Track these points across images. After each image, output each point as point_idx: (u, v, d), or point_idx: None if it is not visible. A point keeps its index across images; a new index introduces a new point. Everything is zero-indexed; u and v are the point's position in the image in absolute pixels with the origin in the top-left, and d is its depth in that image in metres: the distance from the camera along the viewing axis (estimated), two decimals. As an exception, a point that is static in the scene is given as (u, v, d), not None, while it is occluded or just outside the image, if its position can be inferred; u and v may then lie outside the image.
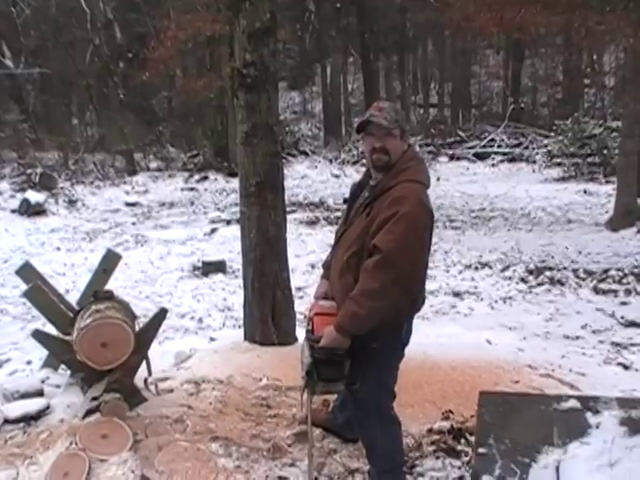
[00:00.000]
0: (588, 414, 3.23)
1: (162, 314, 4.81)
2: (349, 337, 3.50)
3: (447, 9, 19.20)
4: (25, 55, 29.30)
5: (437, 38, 37.28)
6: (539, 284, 9.93)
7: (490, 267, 10.93)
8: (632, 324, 7.95)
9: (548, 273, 10.33)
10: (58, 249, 14.18)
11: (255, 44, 5.82)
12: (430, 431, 4.57)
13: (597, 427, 3.12)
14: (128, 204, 20.54)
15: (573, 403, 3.35)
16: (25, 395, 4.69)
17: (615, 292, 9.40)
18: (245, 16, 5.82)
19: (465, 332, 7.42)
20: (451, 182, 22.78)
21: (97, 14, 28.06)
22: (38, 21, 30.53)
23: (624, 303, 8.93)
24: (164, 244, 14.11)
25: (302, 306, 7.07)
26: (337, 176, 24.44)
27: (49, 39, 30.45)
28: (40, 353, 6.09)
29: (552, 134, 24.67)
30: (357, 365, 3.63)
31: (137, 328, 4.60)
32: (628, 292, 9.33)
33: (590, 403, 3.33)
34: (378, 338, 3.59)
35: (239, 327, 7.42)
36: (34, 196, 17.87)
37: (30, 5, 29.60)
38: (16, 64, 28.62)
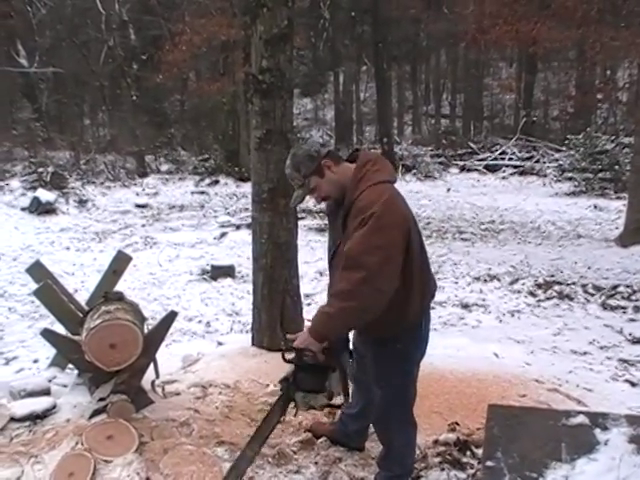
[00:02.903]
0: (597, 430, 3.22)
1: (171, 317, 4.81)
2: (322, 340, 3.52)
3: (461, 21, 19.24)
4: (39, 54, 29.44)
5: (450, 49, 37.36)
6: (548, 298, 9.90)
7: (499, 280, 10.90)
8: (640, 341, 7.93)
9: (557, 287, 10.29)
10: (67, 249, 14.21)
11: (271, 50, 5.83)
12: (436, 442, 4.55)
13: (605, 444, 3.11)
14: (138, 206, 20.61)
15: (582, 419, 3.33)
16: (32, 394, 4.68)
17: (624, 309, 9.35)
18: (262, 22, 5.83)
19: (472, 344, 7.39)
20: (461, 194, 22.77)
21: (112, 15, 28.24)
22: (53, 21, 30.73)
23: (632, 320, 8.88)
24: (173, 247, 14.13)
25: (310, 313, 7.07)
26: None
27: (64, 39, 30.62)
28: (47, 352, 6.11)
29: (564, 148, 24.69)
30: (383, 367, 3.68)
31: (146, 330, 4.61)
32: (637, 309, 9.28)
33: (599, 419, 3.31)
34: (400, 338, 3.64)
35: (246, 332, 7.42)
36: (45, 195, 17.94)
37: (46, 5, 29.78)
38: (30, 63, 28.74)
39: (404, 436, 3.93)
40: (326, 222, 13.48)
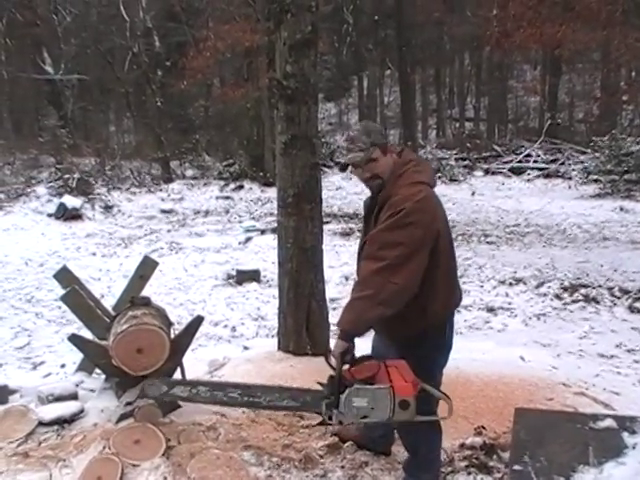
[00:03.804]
0: (625, 434, 3.21)
1: (198, 321, 4.83)
2: (347, 337, 3.52)
3: (485, 24, 19.18)
4: (65, 62, 29.65)
5: (474, 52, 37.24)
6: (574, 301, 9.85)
7: (524, 283, 10.86)
8: (667, 344, 7.87)
9: (583, 290, 10.24)
10: (93, 254, 14.32)
11: (296, 55, 5.83)
12: (462, 446, 4.54)
13: (634, 448, 3.10)
14: (163, 211, 20.72)
15: (609, 422, 3.33)
16: (59, 398, 4.71)
17: (651, 311, 9.31)
18: (286, 27, 5.83)
19: (498, 348, 7.37)
20: (486, 197, 22.69)
21: (137, 23, 28.41)
22: (78, 28, 30.97)
23: (660, 323, 8.84)
24: (199, 252, 14.20)
25: (336, 317, 7.07)
26: (371, 188, 24.32)
27: (89, 46, 30.84)
28: (74, 357, 6.15)
29: (589, 150, 24.53)
30: None
31: (172, 335, 4.63)
32: (664, 312, 9.24)
33: (627, 423, 3.31)
34: (423, 344, 3.64)
35: (272, 336, 7.44)
36: (71, 201, 18.09)
37: (71, 13, 30.01)
38: (56, 70, 28.97)
39: (430, 442, 3.91)
40: (351, 226, 13.43)
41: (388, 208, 3.50)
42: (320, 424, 3.78)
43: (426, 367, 3.69)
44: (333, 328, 6.93)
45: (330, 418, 3.51)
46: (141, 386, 4.25)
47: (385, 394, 3.36)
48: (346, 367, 3.52)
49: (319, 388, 3.69)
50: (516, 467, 3.09)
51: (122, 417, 4.38)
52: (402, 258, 3.36)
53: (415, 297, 3.46)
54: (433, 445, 3.94)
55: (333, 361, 3.54)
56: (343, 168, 3.89)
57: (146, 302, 4.73)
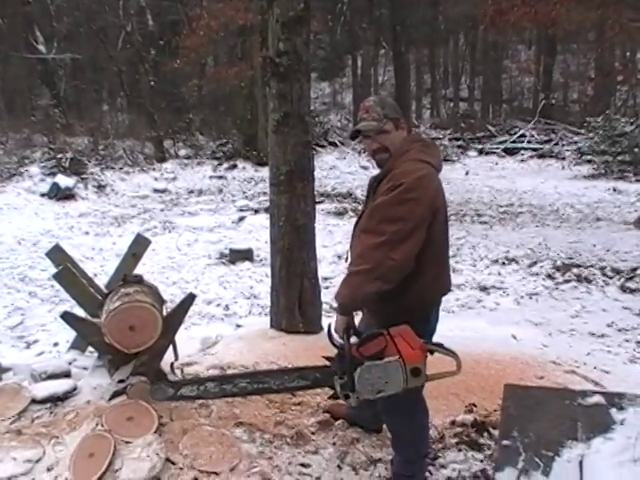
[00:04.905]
0: (613, 410, 3.23)
1: (190, 299, 4.83)
2: (345, 312, 3.55)
3: (480, 3, 19.11)
4: (57, 40, 29.50)
5: (469, 32, 37.15)
6: (566, 281, 9.89)
7: (517, 262, 10.90)
8: (659, 323, 7.91)
9: (575, 270, 10.28)
10: (87, 233, 14.32)
11: (288, 33, 5.81)
12: (453, 423, 4.57)
13: (621, 423, 3.12)
14: (157, 190, 20.70)
15: (598, 399, 3.35)
16: (52, 376, 4.71)
17: (642, 291, 9.36)
18: (279, 5, 5.82)
19: (490, 327, 7.41)
20: (480, 177, 22.74)
21: (130, 1, 28.25)
22: (71, 7, 30.78)
23: (651, 302, 8.88)
24: (192, 231, 14.21)
25: (328, 296, 7.09)
26: (365, 168, 24.33)
27: (81, 25, 30.65)
28: (67, 335, 6.17)
29: (583, 131, 24.57)
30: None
31: (165, 313, 4.63)
32: (656, 291, 9.28)
33: (615, 399, 3.33)
34: (418, 320, 3.62)
35: (265, 315, 7.46)
36: (64, 180, 18.05)
37: (63, -9, 29.80)
38: (48, 49, 28.80)
39: (414, 424, 3.90)
40: (344, 205, 13.42)
41: (388, 181, 3.50)
42: (332, 397, 3.74)
43: None
44: (325, 307, 6.96)
45: (347, 397, 3.49)
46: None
47: (397, 366, 3.36)
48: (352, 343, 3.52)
49: (325, 363, 3.69)
50: (505, 442, 3.11)
51: (115, 394, 4.38)
52: (401, 234, 3.35)
53: (406, 278, 3.46)
54: (418, 425, 3.92)
55: (337, 338, 3.55)
56: (353, 136, 3.86)
57: (138, 280, 4.73)
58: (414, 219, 3.37)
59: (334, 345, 3.54)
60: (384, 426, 4.37)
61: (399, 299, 3.53)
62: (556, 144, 26.15)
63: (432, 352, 3.50)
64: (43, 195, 17.78)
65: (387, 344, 3.42)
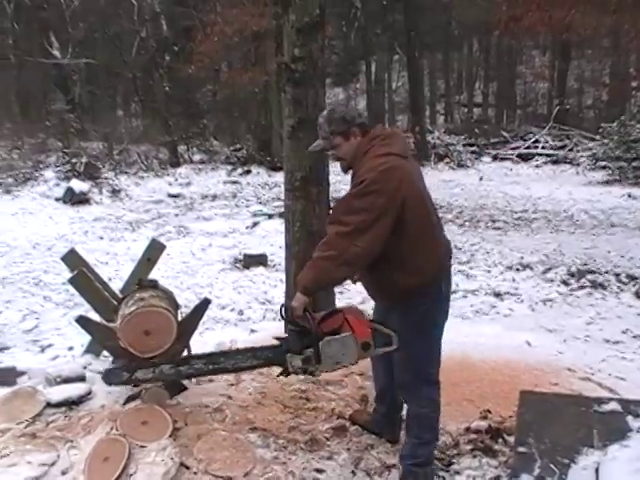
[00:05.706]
0: (629, 417, 3.22)
1: (205, 304, 4.84)
2: (307, 292, 3.73)
3: (494, 8, 19.10)
4: (72, 46, 29.53)
5: (483, 37, 37.10)
6: (580, 287, 9.84)
7: (531, 269, 10.85)
8: (674, 330, 7.86)
9: (590, 276, 10.22)
10: (101, 238, 14.34)
11: (303, 39, 5.82)
12: (468, 430, 4.56)
13: (638, 431, 3.11)
14: (171, 195, 20.72)
15: (614, 406, 3.34)
16: (67, 380, 4.73)
17: (658, 298, 9.30)
18: (294, 10, 5.83)
19: (505, 333, 7.38)
20: (494, 182, 22.66)
21: (144, 7, 28.36)
22: (86, 12, 30.87)
23: (667, 309, 8.83)
24: (206, 236, 14.22)
25: (342, 302, 7.08)
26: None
27: (96, 30, 30.82)
28: (82, 339, 6.17)
29: (597, 137, 24.46)
30: (409, 330, 3.79)
31: (180, 317, 4.64)
32: (671, 298, 9.23)
33: (631, 407, 3.32)
34: (424, 298, 3.78)
35: (279, 320, 7.43)
36: (78, 185, 18.12)
37: (79, -4, 29.90)
38: (63, 54, 28.85)
39: (431, 399, 3.99)
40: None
41: (354, 180, 3.74)
42: (282, 374, 3.97)
43: (427, 323, 3.85)
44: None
45: (305, 371, 3.84)
46: (105, 372, 4.31)
47: (351, 340, 3.76)
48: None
49: (275, 343, 4.07)
50: (520, 449, 3.11)
51: (129, 399, 4.40)
52: (366, 223, 3.54)
53: (383, 266, 3.70)
54: (435, 401, 4.01)
55: (297, 316, 3.79)
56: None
57: (154, 284, 4.75)
58: (376, 209, 3.54)
59: (290, 323, 3.93)
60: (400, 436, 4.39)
61: (400, 282, 3.76)
62: (570, 150, 26.06)
63: (375, 330, 3.85)
64: (58, 200, 17.85)
65: (343, 322, 3.80)
